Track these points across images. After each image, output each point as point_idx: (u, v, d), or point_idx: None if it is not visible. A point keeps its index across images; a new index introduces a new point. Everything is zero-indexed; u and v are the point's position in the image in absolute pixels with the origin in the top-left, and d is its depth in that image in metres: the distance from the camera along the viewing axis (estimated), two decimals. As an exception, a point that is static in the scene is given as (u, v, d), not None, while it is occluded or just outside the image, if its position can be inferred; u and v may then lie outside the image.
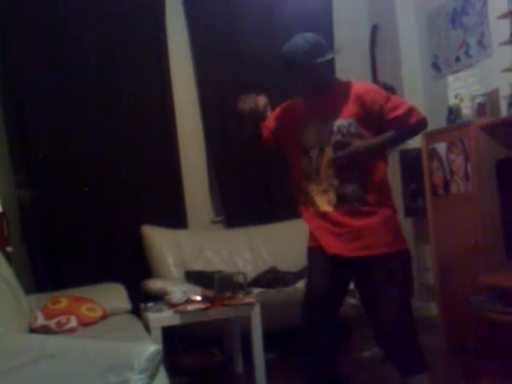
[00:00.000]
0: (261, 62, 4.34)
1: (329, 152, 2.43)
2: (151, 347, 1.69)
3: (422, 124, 2.50)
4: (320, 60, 2.40)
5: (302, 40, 2.41)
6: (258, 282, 3.88)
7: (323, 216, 2.47)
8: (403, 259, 2.47)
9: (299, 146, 2.52)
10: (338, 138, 2.42)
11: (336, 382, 2.60)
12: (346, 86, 2.48)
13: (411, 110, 2.43)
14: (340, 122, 2.43)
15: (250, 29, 4.40)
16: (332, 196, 2.44)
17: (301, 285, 3.77)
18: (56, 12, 4.02)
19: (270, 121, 2.63)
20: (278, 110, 2.64)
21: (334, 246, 2.44)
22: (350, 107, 2.43)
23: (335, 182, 2.43)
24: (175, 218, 4.23)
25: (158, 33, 4.25)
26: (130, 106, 4.18)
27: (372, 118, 2.42)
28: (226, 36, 4.40)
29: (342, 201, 2.42)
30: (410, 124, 2.44)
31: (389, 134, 2.43)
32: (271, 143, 2.65)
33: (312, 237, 2.56)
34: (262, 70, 4.33)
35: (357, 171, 2.44)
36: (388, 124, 2.42)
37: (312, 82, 2.44)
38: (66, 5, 4.04)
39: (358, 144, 2.40)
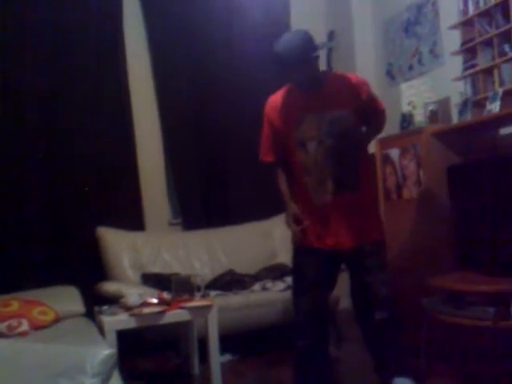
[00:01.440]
0: (218, 65, 4.38)
1: (328, 143, 2.50)
2: (104, 351, 1.68)
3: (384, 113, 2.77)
4: (315, 54, 2.48)
5: (296, 37, 2.46)
6: (215, 284, 3.88)
7: (321, 208, 2.56)
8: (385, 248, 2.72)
9: (294, 139, 2.54)
10: (338, 128, 2.50)
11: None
12: (340, 78, 2.61)
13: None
14: (338, 112, 2.50)
15: (208, 36, 4.41)
16: (329, 184, 2.53)
17: (257, 287, 3.80)
18: (9, 15, 3.93)
19: (269, 134, 2.64)
20: (267, 114, 2.64)
21: (334, 241, 2.57)
22: (347, 96, 2.53)
23: (332, 170, 2.52)
24: (132, 219, 4.19)
25: (115, 37, 4.21)
26: (85, 105, 4.12)
27: (363, 108, 2.56)
28: (184, 41, 4.39)
29: (339, 186, 2.54)
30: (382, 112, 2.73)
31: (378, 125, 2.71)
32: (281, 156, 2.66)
33: (306, 234, 2.61)
34: (220, 74, 4.37)
35: (354, 159, 2.59)
36: (372, 113, 2.64)
37: (312, 76, 2.50)
38: (20, 10, 3.95)
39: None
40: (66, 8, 4.06)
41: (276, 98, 2.62)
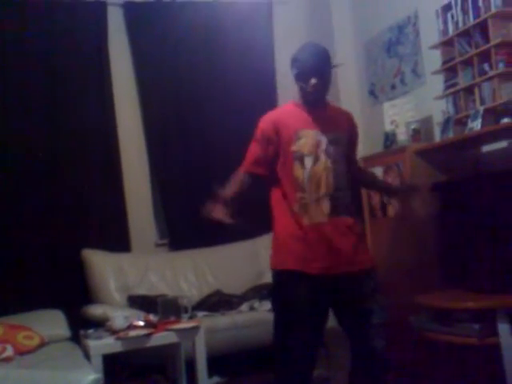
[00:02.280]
0: (201, 81, 4.43)
1: (325, 161, 2.48)
2: (90, 376, 1.67)
3: None
4: (333, 68, 2.55)
5: (320, 47, 2.53)
6: (202, 305, 3.86)
7: (315, 228, 2.44)
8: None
9: (291, 154, 2.50)
10: (336, 149, 2.51)
11: None
12: (337, 107, 2.76)
13: None
14: (337, 135, 2.53)
15: (191, 53, 4.44)
16: (326, 203, 2.47)
17: (245, 308, 3.79)
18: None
19: (260, 145, 2.58)
20: (262, 129, 2.59)
21: (322, 266, 2.41)
22: (344, 124, 2.60)
23: (329, 190, 2.47)
24: (118, 240, 4.17)
25: (99, 56, 4.24)
26: (70, 126, 4.11)
27: (349, 141, 2.60)
28: (168, 61, 4.42)
29: (335, 208, 2.48)
30: None
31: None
32: (267, 169, 2.60)
33: (289, 258, 2.47)
34: (202, 87, 4.42)
35: (348, 183, 2.55)
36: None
37: (326, 89, 2.54)
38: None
39: None
40: (52, 29, 4.09)
41: (273, 115, 2.62)
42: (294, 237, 2.47)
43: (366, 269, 2.48)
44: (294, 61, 2.52)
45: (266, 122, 2.59)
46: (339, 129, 2.56)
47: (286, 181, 2.53)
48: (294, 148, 2.51)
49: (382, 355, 2.45)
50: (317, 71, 2.47)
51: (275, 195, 2.59)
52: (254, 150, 2.59)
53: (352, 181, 2.60)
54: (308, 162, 2.50)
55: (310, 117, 2.54)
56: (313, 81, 2.47)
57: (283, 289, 2.48)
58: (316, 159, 2.49)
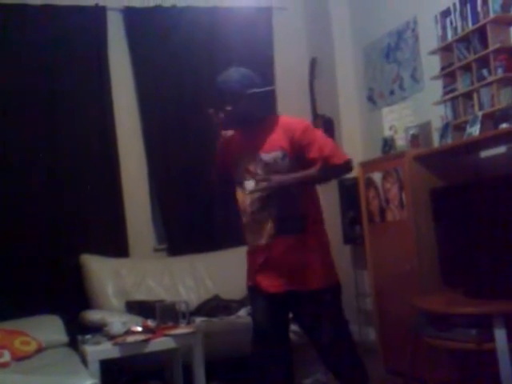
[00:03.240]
0: (201, 86, 4.39)
1: (265, 184, 2.44)
2: (87, 381, 1.67)
3: (345, 165, 2.49)
4: (249, 91, 2.46)
5: (234, 71, 2.52)
6: (200, 310, 3.86)
7: (257, 250, 2.51)
8: (335, 293, 2.52)
9: (234, 179, 2.57)
10: (265, 170, 2.45)
11: None
12: (275, 120, 2.53)
13: (336, 151, 2.45)
14: (268, 155, 2.47)
15: (192, 63, 4.45)
16: (270, 226, 2.46)
17: (243, 313, 3.78)
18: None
19: (219, 159, 2.68)
20: (219, 148, 2.67)
21: (269, 284, 2.48)
22: (279, 140, 2.47)
23: (272, 212, 2.45)
24: (116, 246, 4.16)
25: (99, 61, 4.25)
26: (69, 132, 4.11)
27: (298, 153, 2.46)
28: (168, 66, 4.43)
29: (281, 229, 2.45)
30: (334, 165, 2.42)
31: (309, 172, 2.43)
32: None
33: (249, 275, 2.60)
34: (202, 92, 4.35)
35: (295, 199, 2.47)
36: (312, 162, 2.44)
37: (240, 113, 2.48)
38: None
39: (273, 180, 2.41)
40: (51, 36, 4.09)
41: (226, 136, 2.65)
42: (248, 255, 2.60)
43: (313, 290, 2.44)
44: (214, 86, 2.55)
45: (220, 142, 2.67)
46: (272, 147, 2.47)
47: (237, 205, 2.60)
48: (235, 174, 2.56)
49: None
50: (226, 97, 2.47)
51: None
52: (215, 168, 2.70)
53: (307, 192, 2.52)
54: (248, 185, 2.50)
55: (246, 140, 2.54)
56: (220, 114, 2.49)
57: (250, 302, 2.67)
58: (256, 183, 2.47)
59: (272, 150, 2.46)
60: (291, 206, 2.47)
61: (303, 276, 2.45)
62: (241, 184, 2.53)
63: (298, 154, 2.45)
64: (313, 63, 4.75)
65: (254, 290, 2.56)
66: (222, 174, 2.66)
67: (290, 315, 2.62)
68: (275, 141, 2.47)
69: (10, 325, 3.27)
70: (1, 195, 3.89)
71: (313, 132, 2.50)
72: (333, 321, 2.48)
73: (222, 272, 4.22)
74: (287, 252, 2.45)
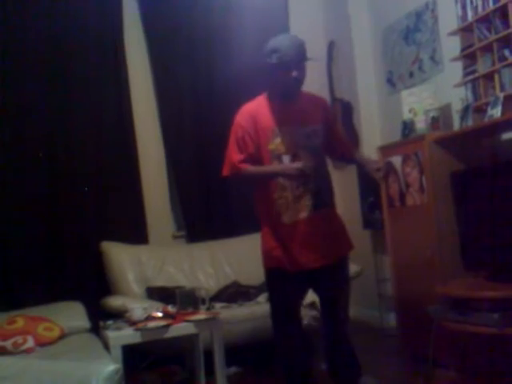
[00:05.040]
0: (219, 77, 4.40)
1: (304, 156, 2.48)
2: (110, 366, 1.68)
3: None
4: (309, 57, 2.51)
5: (299, 39, 2.51)
6: (220, 296, 3.87)
7: (295, 225, 2.52)
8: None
9: (268, 152, 2.51)
10: (313, 142, 2.52)
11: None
12: (309, 96, 2.62)
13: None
14: (313, 128, 2.52)
15: (208, 49, 4.43)
16: (308, 200, 2.51)
17: (262, 299, 3.79)
18: (9, 29, 3.94)
19: (238, 148, 2.56)
20: (239, 123, 2.58)
21: (308, 260, 2.54)
22: (318, 115, 2.56)
23: (311, 185, 2.50)
24: (136, 233, 4.19)
25: (115, 47, 4.22)
26: (87, 118, 4.12)
27: (326, 128, 2.58)
28: (183, 50, 4.41)
29: (317, 202, 2.53)
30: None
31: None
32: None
33: (272, 256, 2.59)
34: (218, 76, 4.39)
35: (327, 175, 2.62)
36: (339, 143, 2.66)
37: (302, 81, 2.52)
38: (19, 23, 3.97)
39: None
40: (66, 22, 4.08)
41: (250, 108, 2.59)
42: (274, 236, 2.56)
43: (341, 257, 2.66)
44: (274, 51, 2.46)
45: (243, 117, 2.56)
46: (314, 121, 2.53)
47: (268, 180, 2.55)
48: (271, 147, 2.50)
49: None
50: (298, 63, 2.46)
51: (257, 195, 2.62)
52: (233, 154, 2.55)
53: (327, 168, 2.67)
54: (286, 160, 2.50)
55: (285, 112, 2.52)
56: (294, 73, 2.45)
57: (271, 286, 2.70)
58: (294, 156, 2.48)
59: (313, 123, 2.54)
60: (324, 181, 2.58)
61: (338, 245, 2.62)
62: (279, 158, 2.51)
63: (325, 129, 2.57)
64: (330, 46, 4.70)
65: (280, 270, 2.56)
66: (245, 157, 2.56)
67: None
68: (314, 114, 2.56)
69: (33, 311, 3.32)
70: (26, 184, 3.91)
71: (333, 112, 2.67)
72: (347, 295, 2.67)
73: (240, 258, 4.23)
74: (324, 224, 2.55)
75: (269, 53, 2.48)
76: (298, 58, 2.46)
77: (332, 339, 2.71)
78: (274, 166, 2.50)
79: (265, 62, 2.48)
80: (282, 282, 2.60)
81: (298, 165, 2.44)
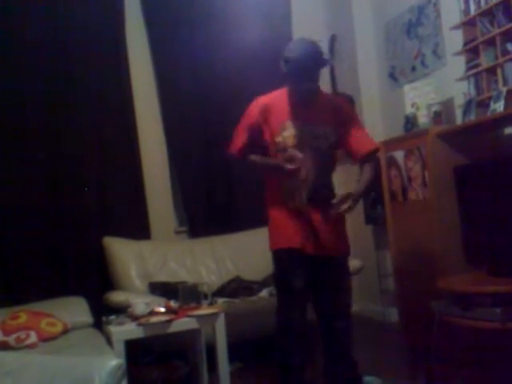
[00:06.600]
0: (218, 63, 4.38)
1: (308, 155, 2.53)
2: (112, 361, 1.68)
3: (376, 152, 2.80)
4: (323, 66, 2.53)
5: (315, 45, 2.49)
6: (222, 291, 3.87)
7: (297, 211, 2.58)
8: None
9: (275, 144, 2.57)
10: (320, 143, 2.55)
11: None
12: (326, 97, 2.68)
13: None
14: (321, 129, 2.53)
15: (210, 43, 4.40)
16: (304, 194, 2.57)
17: (264, 293, 3.79)
18: (10, 27, 3.93)
19: (246, 133, 2.64)
20: (252, 111, 2.63)
21: (315, 246, 2.60)
22: (330, 117, 2.56)
23: (309, 182, 2.55)
24: (138, 228, 4.19)
25: (116, 41, 4.21)
26: (89, 115, 4.11)
27: (340, 130, 2.58)
28: (184, 43, 4.38)
29: (312, 198, 2.57)
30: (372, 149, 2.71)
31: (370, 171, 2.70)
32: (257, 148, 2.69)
33: (284, 237, 2.61)
34: (220, 69, 4.38)
35: (328, 174, 2.66)
36: (354, 142, 2.63)
37: (314, 90, 2.55)
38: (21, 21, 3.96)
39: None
40: (67, 21, 4.07)
41: (266, 100, 2.63)
42: (282, 218, 2.62)
43: (344, 253, 2.71)
44: (286, 60, 2.47)
45: (256, 106, 2.61)
46: (327, 123, 2.55)
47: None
48: (278, 139, 2.55)
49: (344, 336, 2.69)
50: (309, 74, 2.46)
51: (267, 180, 2.71)
52: (241, 138, 2.65)
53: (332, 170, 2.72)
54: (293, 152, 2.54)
55: (300, 110, 2.55)
56: (305, 84, 2.49)
57: (279, 267, 2.69)
58: (299, 151, 2.51)
59: (324, 124, 2.55)
60: (324, 181, 2.64)
61: (338, 241, 2.66)
62: (285, 151, 2.54)
63: (339, 131, 2.59)
64: (332, 40, 4.68)
65: (290, 251, 2.60)
66: (248, 142, 2.64)
67: None
68: (327, 116, 2.57)
69: (36, 306, 3.32)
70: (26, 178, 3.91)
71: (353, 112, 2.73)
72: (349, 291, 2.72)
73: (242, 253, 4.23)
74: (323, 218, 2.58)
75: (282, 61, 2.50)
76: (310, 68, 2.46)
77: (328, 336, 2.71)
78: (270, 161, 2.63)
79: (281, 68, 2.53)
80: (290, 261, 2.62)
81: (290, 165, 2.53)
